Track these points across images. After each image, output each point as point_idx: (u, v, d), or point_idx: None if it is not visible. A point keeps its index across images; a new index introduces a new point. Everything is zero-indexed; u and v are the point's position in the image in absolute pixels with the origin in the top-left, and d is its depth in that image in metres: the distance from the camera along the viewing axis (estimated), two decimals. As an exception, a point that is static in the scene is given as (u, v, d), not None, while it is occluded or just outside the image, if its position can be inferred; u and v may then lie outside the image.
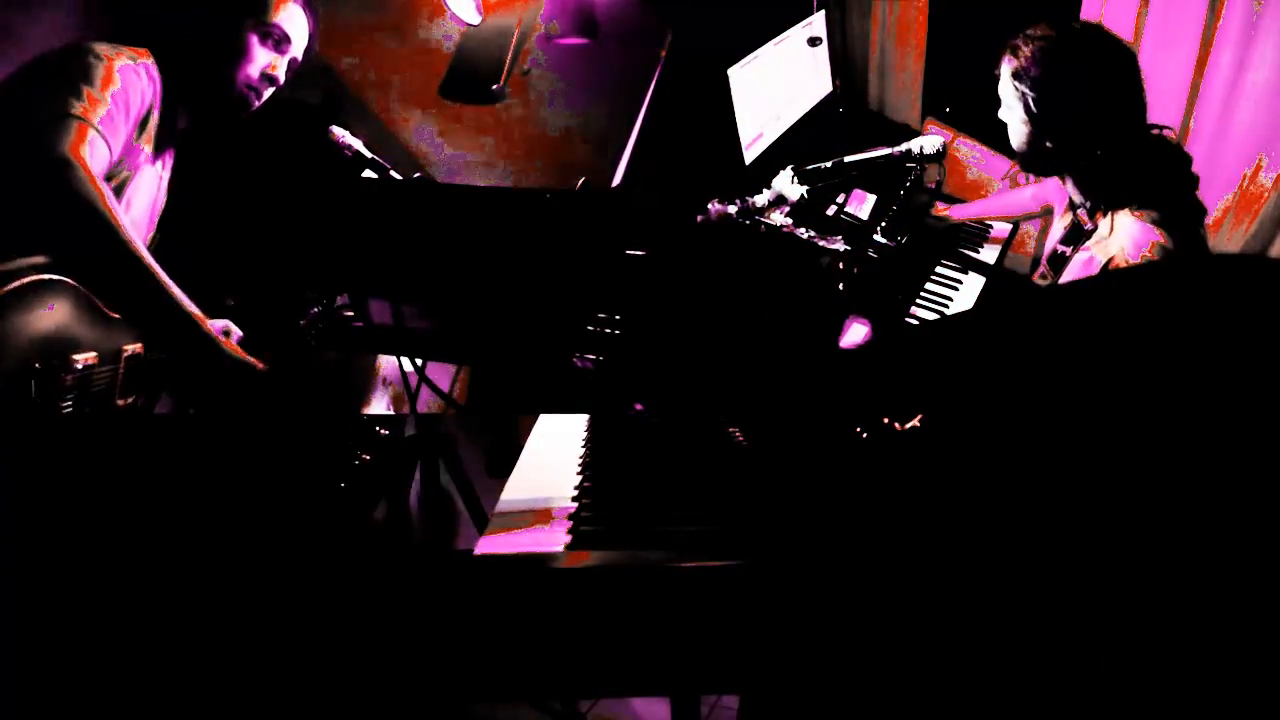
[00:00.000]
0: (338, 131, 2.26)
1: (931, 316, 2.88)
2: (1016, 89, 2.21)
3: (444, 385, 2.52)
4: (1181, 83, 3.23)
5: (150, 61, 2.00)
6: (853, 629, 1.15)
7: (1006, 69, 2.23)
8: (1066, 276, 2.25)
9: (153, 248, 2.17)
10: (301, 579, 2.51)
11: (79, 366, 1.92)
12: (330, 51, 3.05)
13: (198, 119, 2.19)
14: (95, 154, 1.81)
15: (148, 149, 2.04)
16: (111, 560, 2.03)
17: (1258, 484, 1.01)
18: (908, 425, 1.28)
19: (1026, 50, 2.19)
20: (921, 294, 2.97)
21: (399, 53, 3.14)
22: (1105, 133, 2.16)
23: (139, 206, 2.06)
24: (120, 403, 2.08)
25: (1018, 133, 2.27)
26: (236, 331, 2.30)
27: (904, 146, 2.38)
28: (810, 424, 1.60)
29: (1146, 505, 1.06)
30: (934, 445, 1.26)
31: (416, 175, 2.65)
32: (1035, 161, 2.32)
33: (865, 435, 1.36)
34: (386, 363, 2.87)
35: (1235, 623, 1.02)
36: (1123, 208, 2.14)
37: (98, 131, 1.82)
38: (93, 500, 1.96)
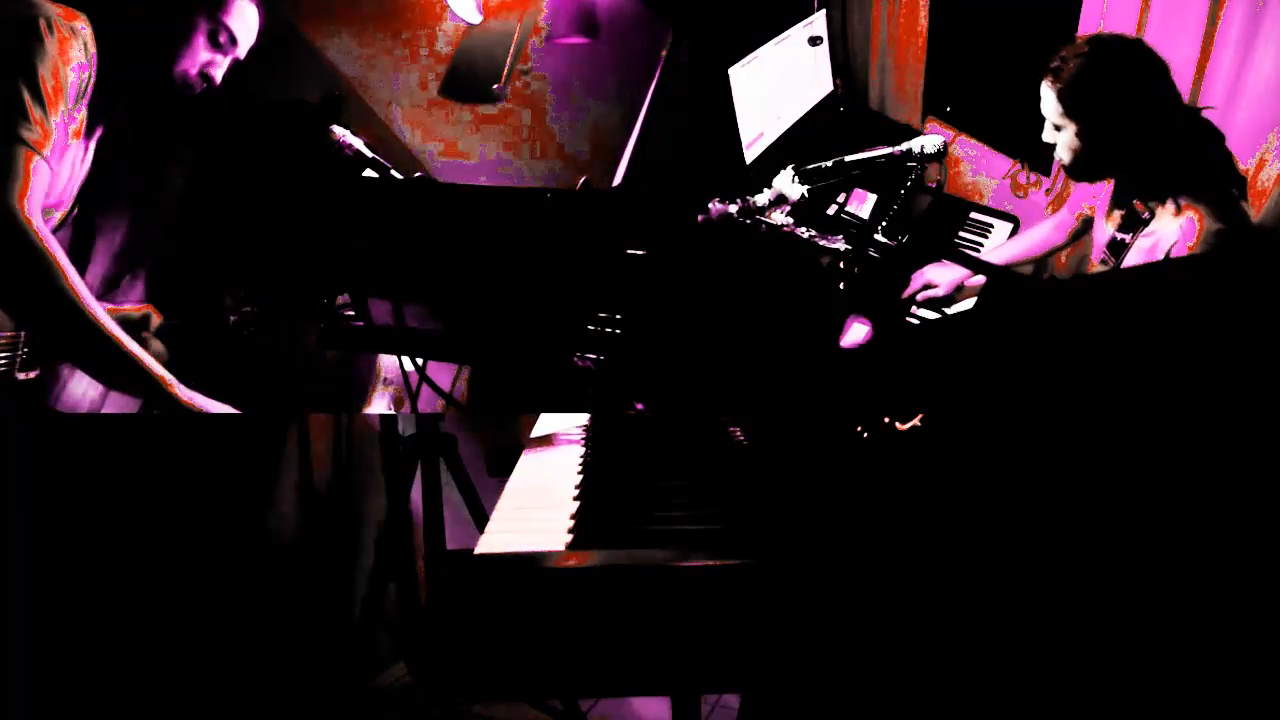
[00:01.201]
0: (338, 131, 2.25)
1: (932, 316, 2.88)
2: (1067, 105, 2.30)
3: (445, 385, 2.51)
4: (1182, 84, 3.22)
5: (88, 29, 1.92)
6: (854, 628, 1.14)
7: (1051, 91, 2.33)
8: (1130, 262, 2.31)
9: (67, 220, 2.12)
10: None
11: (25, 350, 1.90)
12: (330, 51, 3.05)
13: (132, 100, 2.13)
14: (38, 181, 1.77)
15: (79, 118, 1.97)
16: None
17: (1254, 484, 1.01)
18: (909, 425, 1.28)
19: (1070, 67, 2.28)
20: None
21: (399, 52, 3.14)
22: (1156, 127, 2.26)
23: (60, 178, 1.99)
24: (21, 376, 2.04)
25: (1071, 147, 2.36)
26: (156, 316, 2.26)
27: (905, 146, 2.37)
28: (811, 423, 1.60)
29: (1147, 506, 1.05)
30: (935, 445, 1.26)
31: (417, 175, 2.64)
32: (1089, 170, 2.42)
33: (866, 434, 1.36)
34: (387, 362, 2.86)
35: (1236, 623, 1.02)
36: (1178, 193, 2.22)
37: (42, 156, 1.77)
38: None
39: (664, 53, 2.90)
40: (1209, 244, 2.12)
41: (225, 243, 2.39)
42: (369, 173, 2.25)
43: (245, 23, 2.12)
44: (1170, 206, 2.23)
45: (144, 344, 2.20)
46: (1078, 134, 2.33)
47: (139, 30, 2.02)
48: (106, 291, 2.30)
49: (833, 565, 1.16)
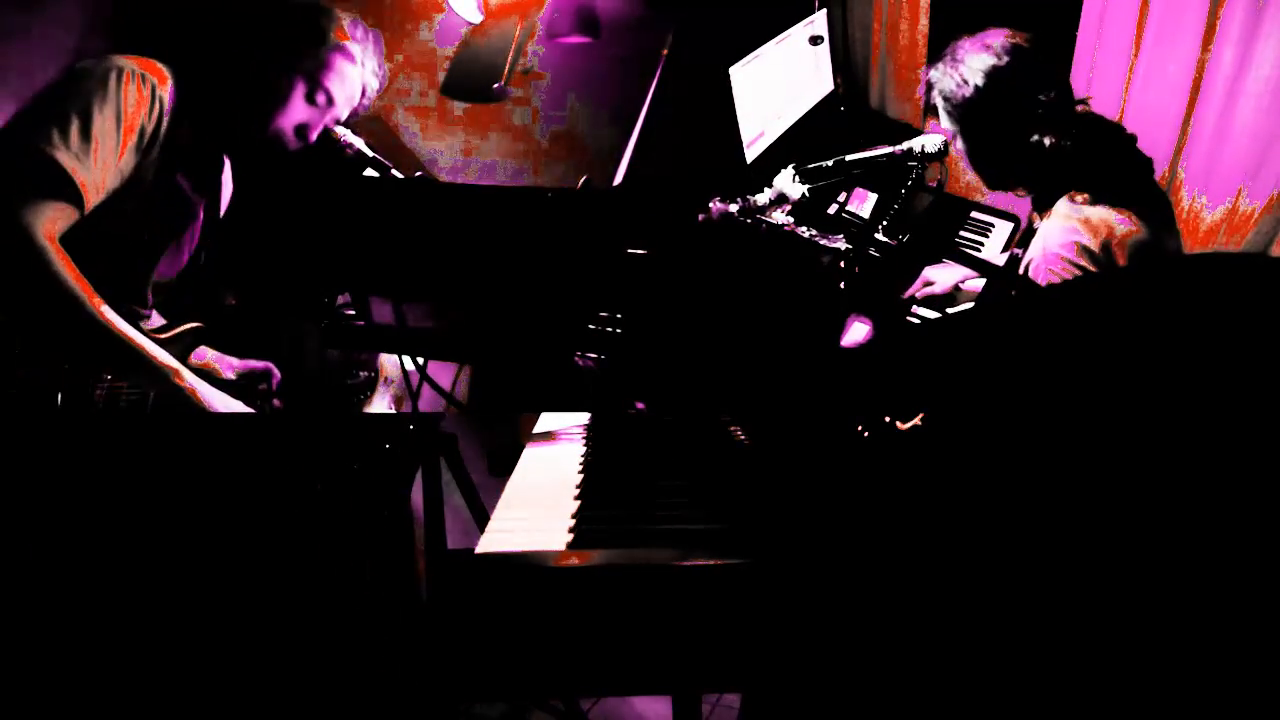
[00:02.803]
0: (339, 130, 2.25)
1: (933, 315, 2.88)
2: (947, 110, 2.36)
3: (445, 384, 2.51)
4: (1183, 83, 3.22)
5: (162, 81, 1.95)
6: (854, 628, 1.15)
7: (938, 100, 2.37)
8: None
9: (190, 274, 2.16)
10: (292, 579, 2.51)
11: (108, 378, 1.92)
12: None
13: (234, 157, 2.16)
14: (64, 213, 1.82)
15: (158, 166, 2.00)
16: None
17: (1255, 482, 1.01)
18: (909, 424, 1.28)
19: (947, 70, 2.33)
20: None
21: (401, 51, 3.14)
22: (1034, 128, 2.25)
23: (152, 224, 2.04)
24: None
25: (961, 149, 2.40)
26: (276, 374, 2.31)
27: (905, 145, 2.38)
28: (812, 423, 1.60)
29: (1148, 505, 1.06)
30: (935, 444, 1.26)
31: (418, 174, 2.65)
32: (990, 175, 2.43)
33: (867, 434, 1.36)
34: (388, 361, 2.86)
35: (1235, 623, 1.02)
36: (1060, 195, 2.22)
37: (78, 192, 1.81)
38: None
39: (664, 52, 2.90)
40: (1141, 239, 2.13)
41: (226, 243, 2.40)
42: (370, 172, 2.26)
43: (345, 85, 2.13)
44: (1050, 212, 2.22)
45: (265, 398, 2.27)
46: (959, 135, 2.36)
47: (235, 85, 2.05)
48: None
49: (833, 564, 1.16)
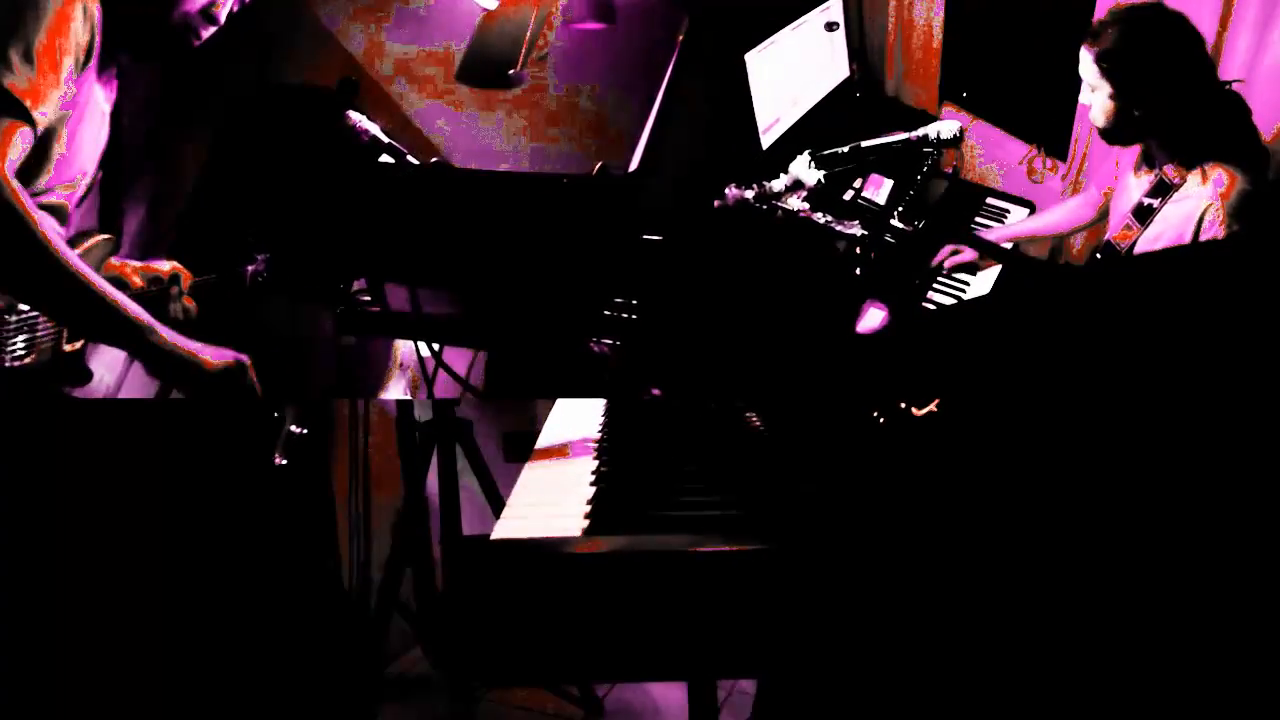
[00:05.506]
0: (354, 116, 2.25)
1: (949, 301, 2.88)
2: (1103, 69, 2.37)
3: (461, 370, 2.52)
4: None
5: None
6: (870, 614, 1.15)
7: (1089, 54, 2.39)
8: (1163, 229, 2.36)
9: (94, 187, 2.08)
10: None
11: (22, 308, 1.88)
12: (346, 37, 3.05)
13: (136, 53, 2.07)
14: (19, 142, 1.70)
15: (90, 85, 1.90)
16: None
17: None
18: (924, 410, 1.28)
19: (1110, 33, 2.36)
20: (938, 279, 2.96)
21: (415, 37, 3.13)
22: (1188, 95, 2.34)
23: (85, 146, 1.95)
24: (68, 348, 2.03)
25: (1105, 109, 2.42)
26: (186, 274, 2.23)
27: (921, 131, 2.37)
28: (827, 409, 1.60)
29: (1160, 502, 1.05)
30: (950, 430, 1.26)
31: (434, 160, 2.65)
32: (1121, 133, 2.47)
33: (882, 420, 1.36)
34: (404, 347, 2.87)
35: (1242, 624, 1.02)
36: (1207, 160, 2.30)
37: (31, 122, 1.71)
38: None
39: (680, 38, 2.89)
40: (1238, 203, 2.20)
41: (243, 227, 2.40)
42: (385, 158, 2.26)
43: None
44: (1198, 174, 2.29)
45: (174, 301, 2.20)
46: (1111, 97, 2.38)
47: None
48: (141, 255, 2.27)
49: (849, 551, 1.16)
